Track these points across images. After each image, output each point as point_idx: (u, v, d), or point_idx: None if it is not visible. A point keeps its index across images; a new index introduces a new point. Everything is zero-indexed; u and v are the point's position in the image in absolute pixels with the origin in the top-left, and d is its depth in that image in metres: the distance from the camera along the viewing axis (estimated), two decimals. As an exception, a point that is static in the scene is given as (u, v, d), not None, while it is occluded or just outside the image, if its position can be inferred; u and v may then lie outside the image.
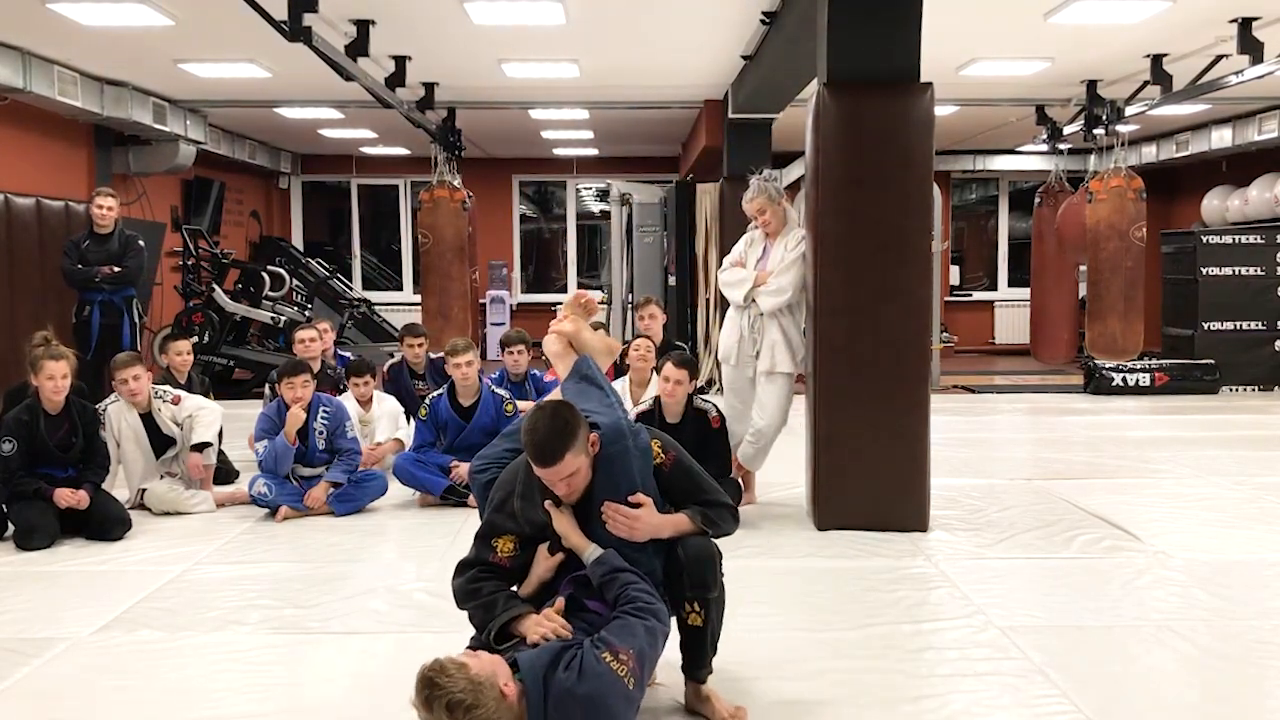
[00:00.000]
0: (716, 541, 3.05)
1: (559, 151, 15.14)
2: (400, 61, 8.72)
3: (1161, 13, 7.39)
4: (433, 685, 2.42)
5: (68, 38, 7.88)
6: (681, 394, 5.17)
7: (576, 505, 2.94)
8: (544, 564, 2.96)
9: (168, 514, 5.71)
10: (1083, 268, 11.15)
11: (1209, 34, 8.03)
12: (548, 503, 2.92)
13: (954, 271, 16.00)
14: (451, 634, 3.56)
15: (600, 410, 3.05)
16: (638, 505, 2.92)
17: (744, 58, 8.88)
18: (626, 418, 3.08)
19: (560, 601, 2.84)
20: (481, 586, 2.91)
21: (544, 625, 2.75)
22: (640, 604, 2.76)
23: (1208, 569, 4.54)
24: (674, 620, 2.99)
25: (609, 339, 3.64)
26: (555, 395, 3.32)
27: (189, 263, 11.90)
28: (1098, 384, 10.68)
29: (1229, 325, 10.93)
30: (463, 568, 2.99)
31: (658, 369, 5.40)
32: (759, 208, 5.66)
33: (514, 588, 2.99)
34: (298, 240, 15.76)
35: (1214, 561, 4.66)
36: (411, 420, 6.63)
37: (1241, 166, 12.55)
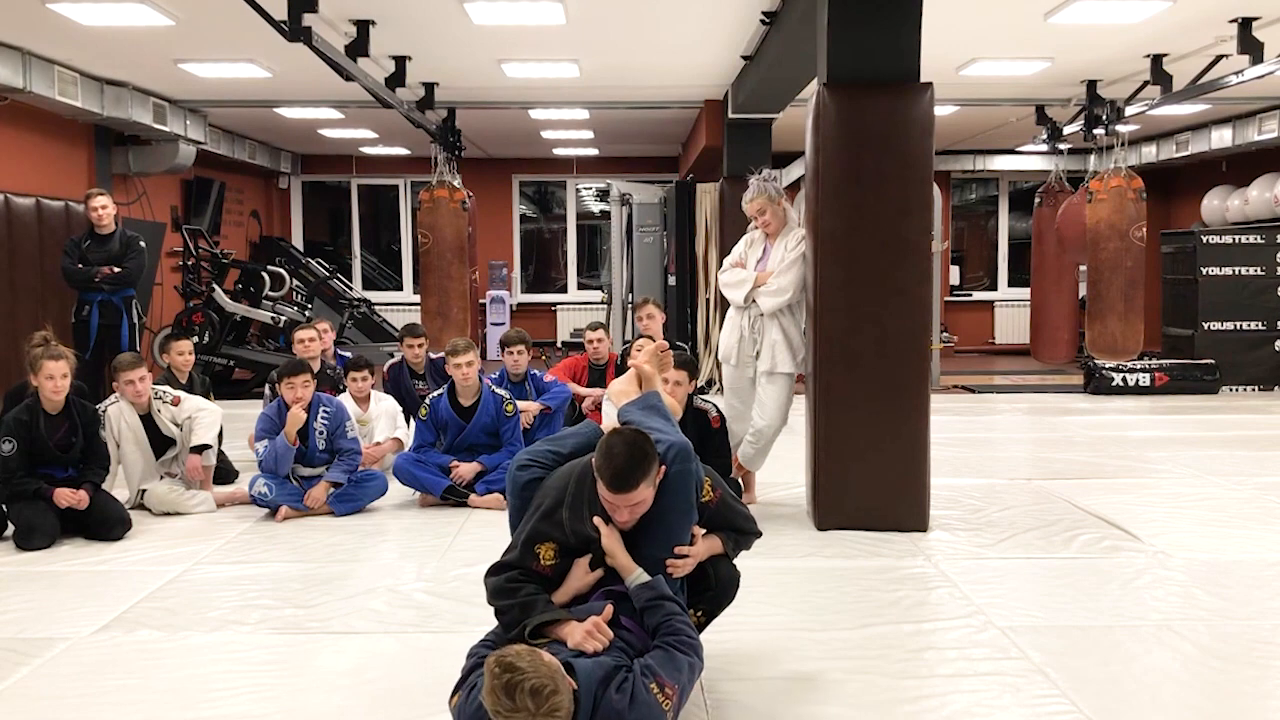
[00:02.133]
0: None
1: (559, 151, 15.14)
2: (400, 61, 8.72)
3: (1161, 13, 7.39)
4: (514, 670, 2.37)
5: (68, 38, 7.88)
6: (681, 394, 5.16)
7: None
8: (581, 579, 2.95)
9: (168, 514, 5.72)
10: (1083, 268, 11.16)
11: (1209, 34, 8.03)
12: (598, 519, 2.93)
13: (954, 271, 16.00)
14: (451, 634, 3.57)
15: (667, 430, 3.11)
16: (693, 539, 3.08)
17: (744, 58, 8.88)
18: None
19: (609, 609, 2.83)
20: (521, 586, 2.92)
21: (596, 637, 2.73)
22: (684, 638, 2.77)
23: (1208, 569, 4.54)
24: None
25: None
26: (609, 413, 3.35)
27: (189, 263, 11.90)
28: (1098, 384, 10.68)
29: (1229, 325, 10.94)
30: (501, 568, 2.99)
31: (658, 369, 5.40)
32: (759, 208, 5.66)
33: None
34: (298, 240, 15.76)
35: (1214, 561, 4.66)
36: (411, 420, 6.63)
37: (1241, 166, 12.56)
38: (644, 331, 6.98)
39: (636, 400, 3.35)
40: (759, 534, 3.35)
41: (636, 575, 2.86)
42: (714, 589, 3.14)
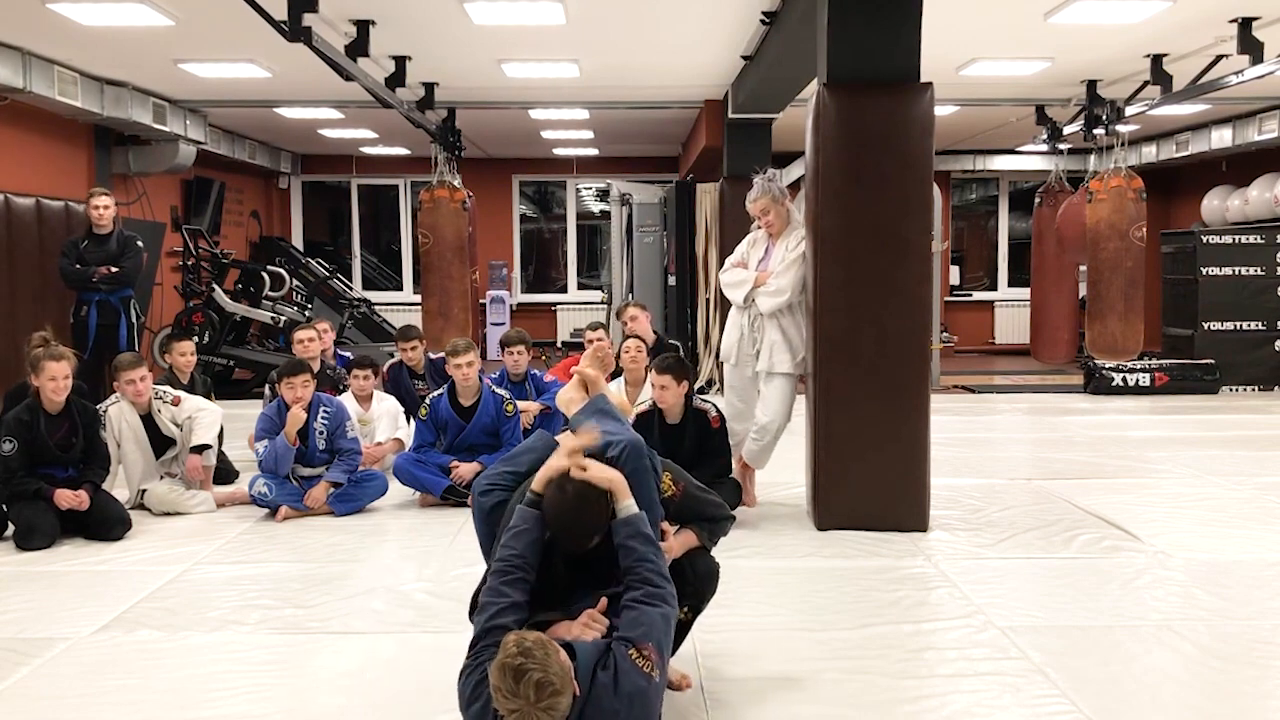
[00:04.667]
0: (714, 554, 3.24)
1: (559, 151, 15.14)
2: (400, 61, 8.72)
3: (1161, 13, 7.39)
4: (529, 656, 2.37)
5: (68, 38, 7.88)
6: (670, 398, 5.15)
7: None
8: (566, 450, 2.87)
9: (168, 514, 5.72)
10: (1083, 268, 11.16)
11: (1209, 34, 8.03)
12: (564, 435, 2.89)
13: (954, 271, 16.00)
14: (451, 634, 3.56)
15: (619, 431, 3.08)
16: (663, 535, 3.05)
17: (744, 58, 8.88)
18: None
19: (604, 601, 2.81)
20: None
21: (593, 626, 2.72)
22: (651, 588, 2.73)
23: (1208, 569, 4.54)
24: None
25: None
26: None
27: (189, 263, 11.90)
28: (1098, 384, 10.68)
29: (1229, 325, 10.94)
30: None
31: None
32: (763, 208, 5.66)
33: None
34: (298, 240, 15.77)
35: (1214, 561, 4.66)
36: (412, 420, 6.64)
37: (1241, 166, 12.56)
38: (631, 333, 7.00)
39: (585, 407, 3.30)
40: (732, 518, 3.34)
41: (628, 503, 2.83)
42: (693, 583, 3.12)
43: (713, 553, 3.26)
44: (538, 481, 2.86)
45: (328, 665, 3.58)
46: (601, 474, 2.85)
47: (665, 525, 3.10)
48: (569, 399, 3.40)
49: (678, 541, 3.13)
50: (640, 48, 8.61)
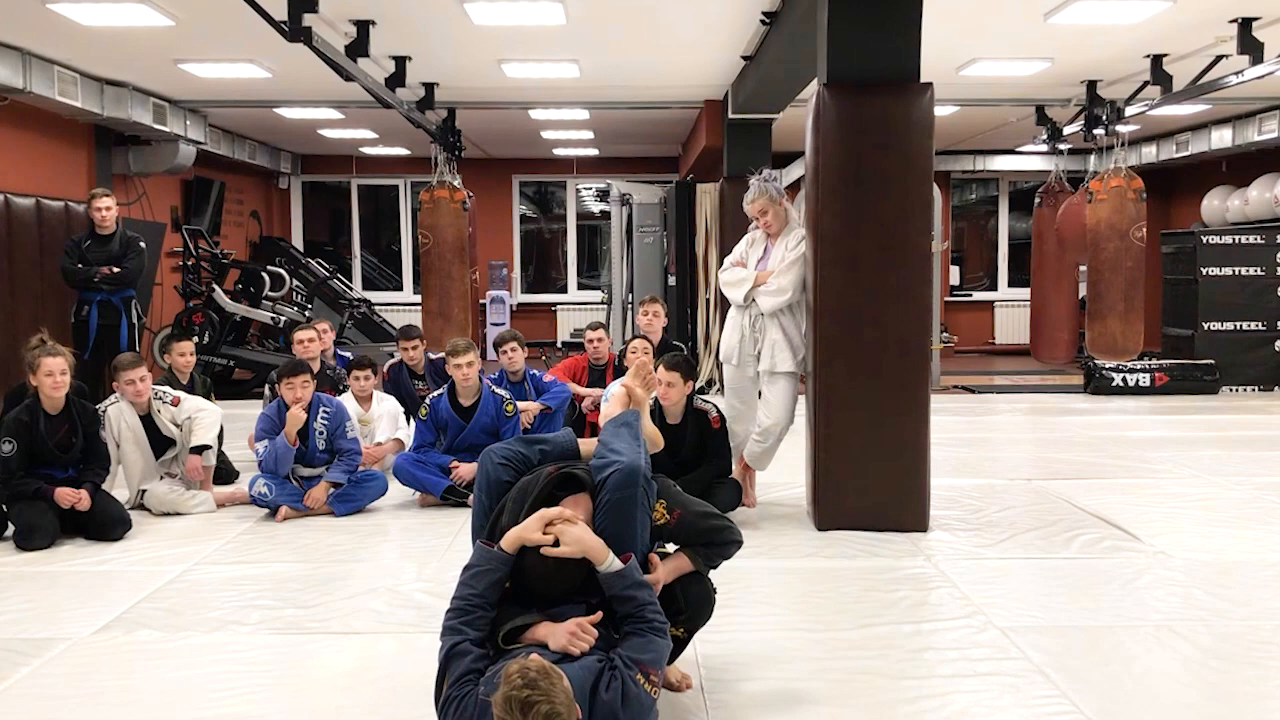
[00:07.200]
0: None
1: (559, 151, 15.14)
2: (400, 61, 8.72)
3: (1161, 13, 7.39)
4: (535, 688, 2.32)
5: (68, 38, 7.88)
6: (675, 396, 5.16)
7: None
8: (535, 529, 2.78)
9: (168, 514, 5.72)
10: (1083, 268, 11.16)
11: (1209, 34, 8.03)
12: (559, 520, 2.80)
13: (954, 271, 16.00)
14: (451, 634, 3.56)
15: (624, 451, 3.00)
16: (652, 566, 2.97)
17: (744, 58, 8.88)
18: (648, 465, 3.03)
19: (599, 615, 2.77)
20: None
21: (581, 638, 2.68)
22: (656, 624, 2.75)
23: (1208, 569, 4.54)
24: None
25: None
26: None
27: (189, 263, 11.90)
28: (1098, 384, 10.68)
29: (1229, 325, 10.95)
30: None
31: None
32: (760, 208, 5.66)
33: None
34: (298, 240, 15.77)
35: (1214, 561, 4.66)
36: (412, 420, 6.64)
37: (1241, 166, 12.56)
38: (645, 328, 7.00)
39: (616, 417, 3.30)
40: (739, 542, 3.15)
41: (609, 562, 2.77)
42: (685, 610, 3.05)
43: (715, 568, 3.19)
44: (509, 542, 2.78)
45: (328, 665, 3.59)
46: (576, 545, 2.75)
47: (654, 556, 3.00)
48: (613, 412, 3.39)
49: (665, 570, 3.01)
50: (640, 48, 8.61)
